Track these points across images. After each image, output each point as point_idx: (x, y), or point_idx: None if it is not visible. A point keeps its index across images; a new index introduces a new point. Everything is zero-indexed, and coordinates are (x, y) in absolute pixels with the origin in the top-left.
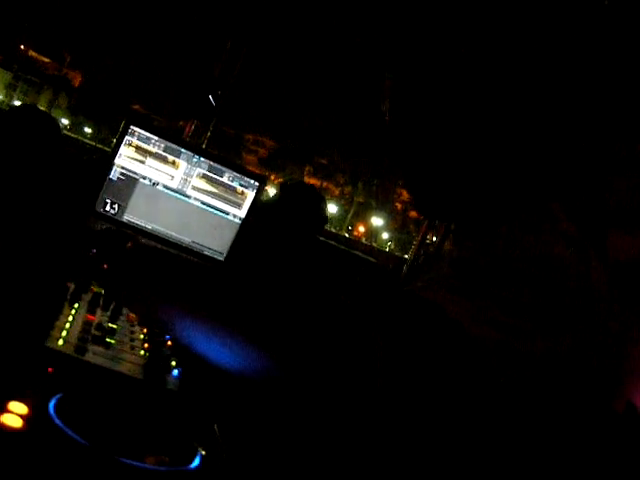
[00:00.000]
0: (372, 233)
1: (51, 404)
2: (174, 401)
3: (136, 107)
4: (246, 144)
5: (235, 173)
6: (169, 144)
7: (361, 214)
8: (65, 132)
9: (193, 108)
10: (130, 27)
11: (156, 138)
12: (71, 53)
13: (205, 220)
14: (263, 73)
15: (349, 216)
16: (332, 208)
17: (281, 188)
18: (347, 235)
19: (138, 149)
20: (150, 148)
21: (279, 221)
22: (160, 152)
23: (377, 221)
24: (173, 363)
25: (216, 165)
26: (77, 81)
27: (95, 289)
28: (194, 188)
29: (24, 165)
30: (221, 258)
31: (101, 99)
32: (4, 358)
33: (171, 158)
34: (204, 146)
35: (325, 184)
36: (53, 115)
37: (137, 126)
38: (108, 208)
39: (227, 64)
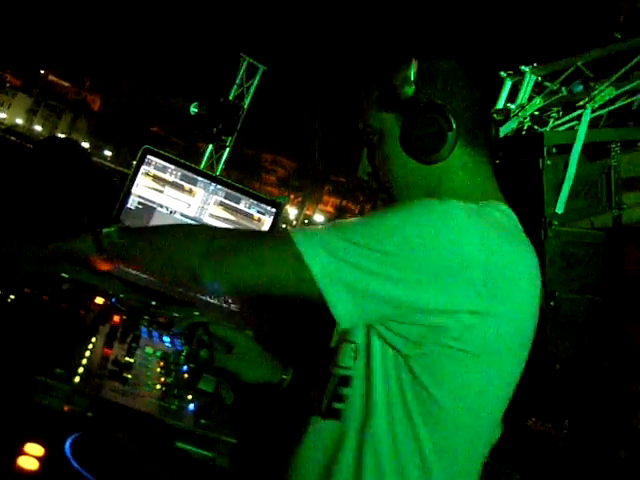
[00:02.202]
0: None
1: (67, 444)
2: (189, 438)
3: (155, 129)
4: (264, 164)
5: (252, 200)
6: (186, 172)
7: None
8: None
9: (208, 130)
10: (147, 51)
11: (173, 167)
12: (90, 77)
13: None
14: (279, 93)
15: None
16: None
17: None
18: None
19: (155, 178)
20: (167, 177)
21: None
22: (177, 180)
23: None
24: (189, 397)
25: (233, 192)
26: (96, 105)
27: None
28: (211, 216)
29: (57, 193)
30: None
31: (120, 122)
32: (18, 397)
33: (188, 186)
34: (221, 166)
35: (345, 202)
36: (73, 138)
37: (154, 155)
38: None
39: (243, 86)
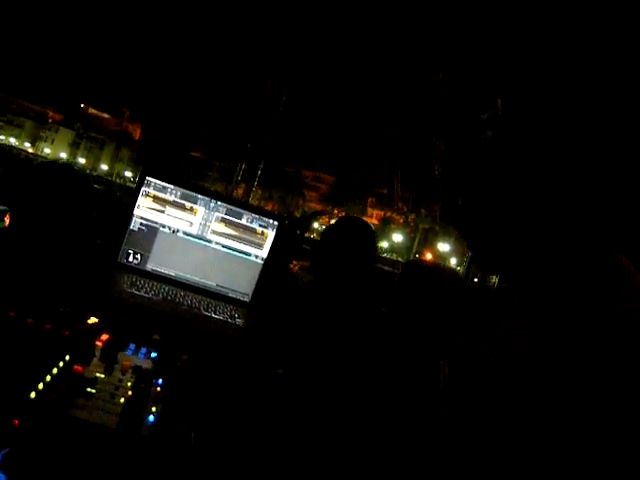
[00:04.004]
0: (440, 259)
1: None
2: (145, 448)
3: (196, 154)
4: (306, 181)
5: (253, 214)
6: (185, 191)
7: (428, 240)
8: (129, 184)
9: (241, 151)
10: (182, 79)
11: (172, 187)
12: (130, 108)
13: (228, 263)
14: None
15: (415, 244)
16: (397, 237)
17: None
18: None
19: (155, 199)
20: (167, 197)
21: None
22: (177, 200)
23: (443, 247)
24: (153, 409)
25: (234, 208)
26: (137, 134)
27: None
28: (214, 232)
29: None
30: (246, 299)
31: (161, 149)
32: None
33: (188, 205)
34: (255, 184)
35: (389, 213)
36: (117, 168)
37: (152, 176)
38: (131, 259)
39: (275, 105)
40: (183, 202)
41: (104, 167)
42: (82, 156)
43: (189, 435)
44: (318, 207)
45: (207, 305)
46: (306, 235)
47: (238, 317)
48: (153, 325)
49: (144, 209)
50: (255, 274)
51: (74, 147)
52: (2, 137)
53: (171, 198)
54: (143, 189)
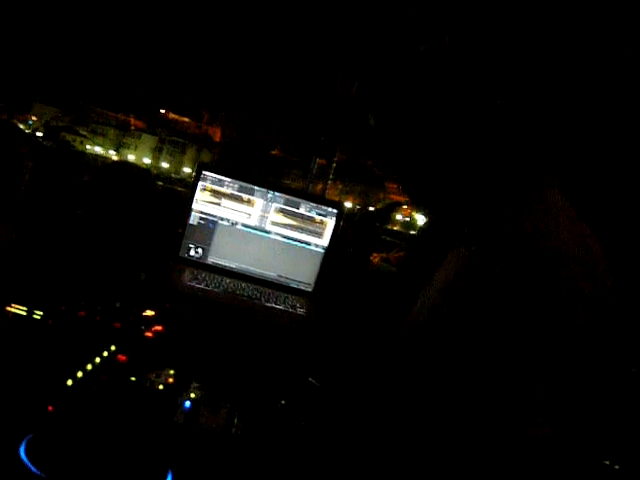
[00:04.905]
0: None
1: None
2: (177, 435)
3: (275, 152)
4: (386, 173)
5: (311, 203)
6: (242, 183)
7: None
8: None
9: (315, 146)
10: (257, 78)
11: (229, 180)
12: (208, 110)
13: (288, 253)
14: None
15: None
16: None
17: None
18: None
19: (213, 192)
20: (224, 190)
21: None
22: (235, 192)
23: None
24: (192, 395)
25: (291, 198)
26: (217, 135)
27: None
28: (273, 223)
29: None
30: (309, 289)
31: (241, 149)
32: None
33: (246, 197)
34: (331, 177)
35: None
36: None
37: (208, 170)
38: (192, 253)
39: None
40: (240, 194)
41: (187, 170)
42: (165, 160)
43: (227, 422)
44: (401, 199)
45: (268, 296)
46: (387, 227)
47: (300, 307)
48: (211, 316)
49: (202, 203)
50: (317, 263)
51: (157, 152)
52: (88, 146)
53: (228, 191)
54: (200, 183)
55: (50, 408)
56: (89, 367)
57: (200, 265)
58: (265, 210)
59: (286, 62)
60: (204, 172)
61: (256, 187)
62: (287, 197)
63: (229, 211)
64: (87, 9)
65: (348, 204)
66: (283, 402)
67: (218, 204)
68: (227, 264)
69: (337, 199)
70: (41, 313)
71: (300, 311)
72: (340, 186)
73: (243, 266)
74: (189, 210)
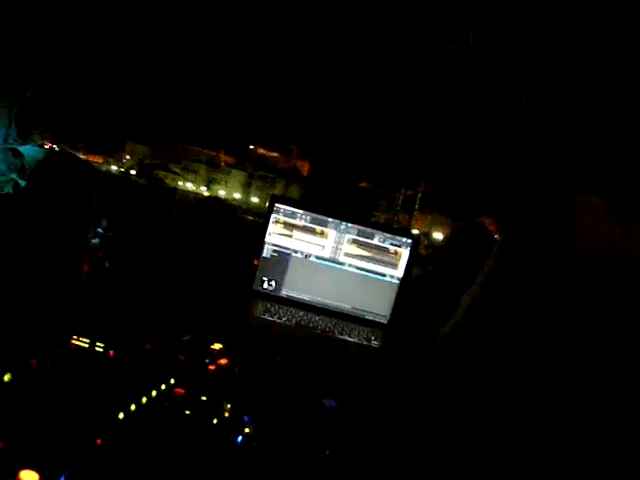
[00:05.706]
0: None
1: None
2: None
3: (363, 184)
4: None
5: (385, 234)
6: (315, 215)
7: None
8: None
9: (399, 177)
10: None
11: (301, 212)
12: (297, 145)
13: (362, 285)
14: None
15: None
16: None
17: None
18: None
19: (286, 225)
20: (297, 222)
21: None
22: (307, 224)
23: None
24: (247, 430)
25: (365, 229)
26: (305, 169)
27: None
28: (346, 254)
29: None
30: (384, 321)
31: (328, 183)
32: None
33: (319, 229)
34: (417, 206)
35: None
36: None
37: (281, 203)
38: (266, 286)
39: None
40: (313, 226)
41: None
42: (254, 195)
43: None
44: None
45: (342, 328)
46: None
47: (375, 339)
48: (279, 349)
49: (275, 236)
50: (392, 294)
51: (246, 187)
52: (180, 183)
53: (301, 223)
54: (273, 216)
55: (99, 441)
56: (144, 400)
57: (273, 298)
58: (338, 242)
59: (375, 97)
60: (276, 204)
61: (329, 218)
62: (360, 228)
63: (302, 243)
64: (175, 51)
65: (439, 235)
66: (327, 452)
67: (291, 236)
68: (300, 296)
69: (425, 230)
70: (102, 345)
71: (374, 343)
72: (429, 217)
73: (316, 298)
74: (262, 243)
